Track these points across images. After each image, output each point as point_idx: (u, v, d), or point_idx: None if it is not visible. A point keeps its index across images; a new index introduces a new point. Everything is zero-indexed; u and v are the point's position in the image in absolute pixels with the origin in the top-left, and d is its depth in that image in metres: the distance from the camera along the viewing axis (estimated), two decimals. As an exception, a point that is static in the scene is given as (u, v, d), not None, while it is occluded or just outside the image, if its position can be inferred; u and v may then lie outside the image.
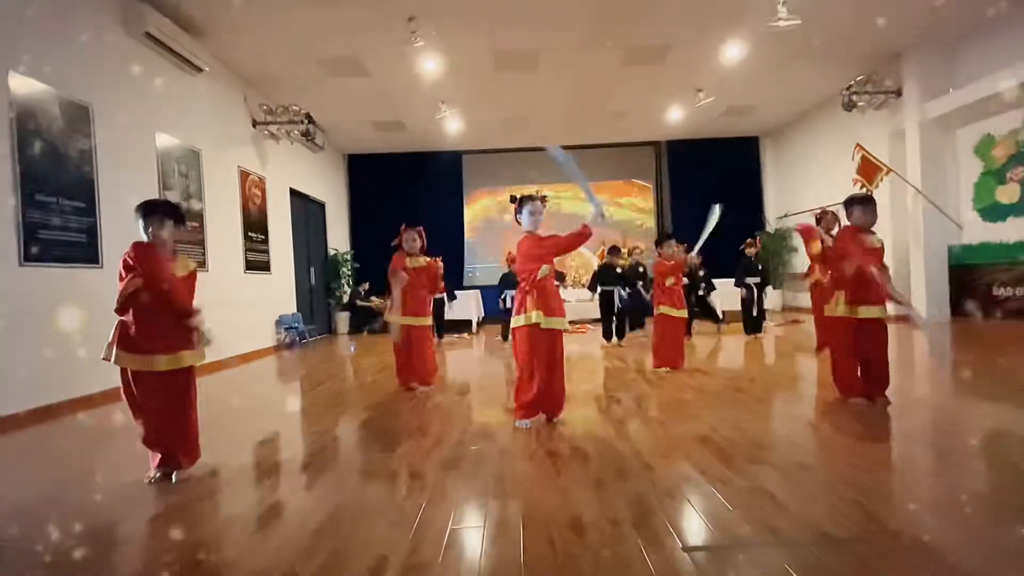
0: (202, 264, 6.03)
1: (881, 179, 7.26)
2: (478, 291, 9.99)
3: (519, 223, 3.29)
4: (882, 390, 3.31)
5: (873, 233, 3.43)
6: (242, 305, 6.83)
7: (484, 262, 11.67)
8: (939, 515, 1.90)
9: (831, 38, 6.82)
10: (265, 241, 7.67)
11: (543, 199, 3.28)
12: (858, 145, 7.48)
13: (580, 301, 9.46)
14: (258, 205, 7.54)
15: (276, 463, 2.91)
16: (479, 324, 9.71)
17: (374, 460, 2.75)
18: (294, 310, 8.44)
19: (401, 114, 9.00)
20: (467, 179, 11.69)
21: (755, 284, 7.09)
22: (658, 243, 5.23)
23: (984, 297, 6.93)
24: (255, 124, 7.45)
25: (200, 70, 5.93)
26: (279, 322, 7.86)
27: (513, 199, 3.33)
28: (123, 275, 2.42)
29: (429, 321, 4.50)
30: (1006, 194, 6.67)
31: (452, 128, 9.29)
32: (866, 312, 3.26)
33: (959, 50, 7.11)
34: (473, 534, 1.87)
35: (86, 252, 4.42)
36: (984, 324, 6.84)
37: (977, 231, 7.08)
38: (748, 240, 7.63)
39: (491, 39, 6.48)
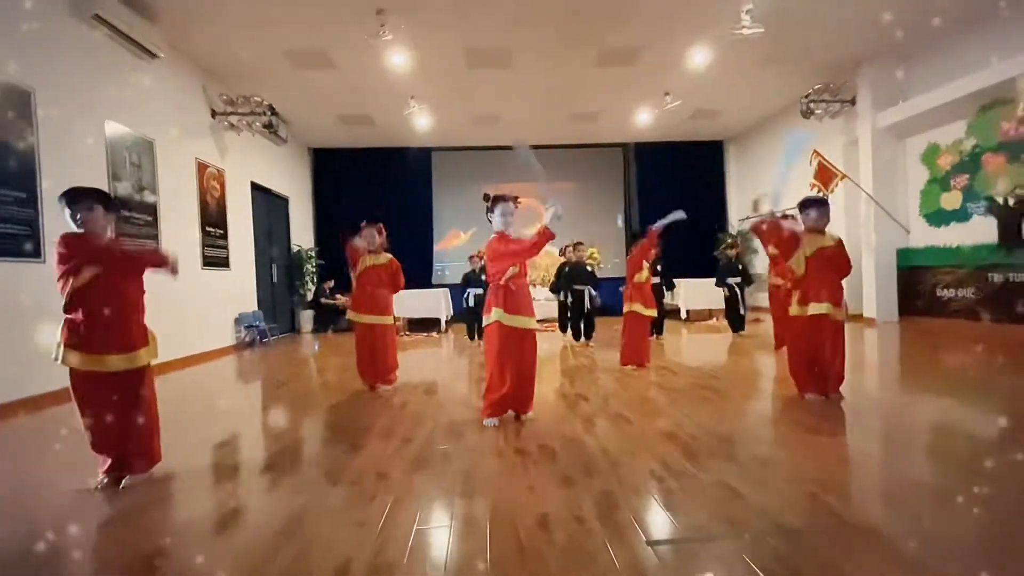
0: (156, 259, 5.77)
1: (836, 184, 7.57)
2: (447, 289, 9.92)
3: (490, 222, 3.30)
4: (836, 386, 3.46)
5: (825, 233, 3.56)
6: (199, 303, 6.57)
7: (454, 260, 11.59)
8: (888, 505, 2.00)
9: (792, 48, 7.08)
10: (224, 236, 7.40)
11: (516, 200, 3.29)
12: (815, 151, 7.77)
13: (549, 300, 9.50)
14: (216, 198, 7.26)
15: (235, 465, 2.82)
16: (448, 323, 9.64)
17: (339, 461, 2.69)
18: (255, 308, 8.18)
19: (369, 108, 8.84)
20: (437, 176, 11.58)
21: (736, 284, 7.27)
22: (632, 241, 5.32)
23: (929, 298, 7.33)
24: (214, 114, 7.18)
25: (155, 56, 5.66)
26: (239, 320, 7.60)
27: (486, 198, 3.33)
28: (59, 270, 2.30)
29: (391, 320, 4.46)
30: (949, 201, 7.06)
31: (422, 124, 9.18)
32: (815, 309, 3.41)
33: (909, 63, 7.48)
34: (440, 534, 1.85)
35: (26, 246, 4.16)
36: (929, 323, 7.23)
37: (923, 235, 7.47)
38: (729, 240, 7.85)
39: (463, 36, 6.43)
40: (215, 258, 7.12)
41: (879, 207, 7.56)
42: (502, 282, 3.20)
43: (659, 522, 1.89)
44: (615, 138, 11.36)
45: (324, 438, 3.29)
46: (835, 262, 3.50)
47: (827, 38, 6.87)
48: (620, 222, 12.17)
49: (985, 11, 6.18)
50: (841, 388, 3.49)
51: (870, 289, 7.81)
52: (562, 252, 8.19)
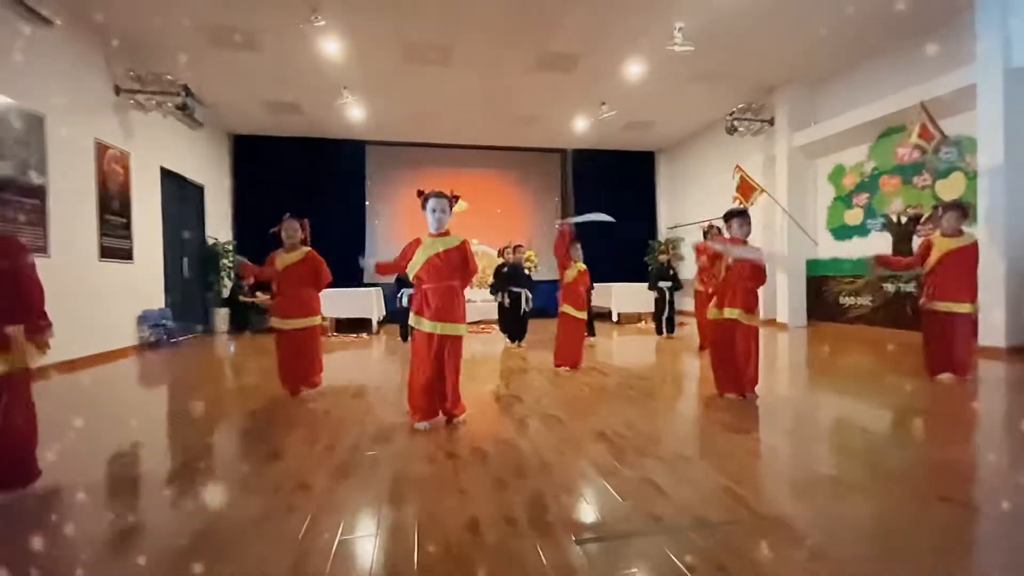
0: (42, 249, 5.15)
1: (756, 198, 8.10)
2: (379, 289, 9.61)
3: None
4: (752, 387, 3.68)
5: (747, 243, 3.80)
6: (96, 298, 5.94)
7: (386, 258, 11.25)
8: (794, 495, 2.14)
9: (719, 68, 7.51)
10: (127, 226, 6.72)
11: (453, 198, 3.16)
12: (738, 166, 8.29)
13: (486, 301, 9.48)
14: (119, 184, 6.58)
15: (135, 478, 2.55)
16: (379, 323, 9.35)
17: (255, 470, 2.50)
18: (162, 305, 7.50)
19: (297, 96, 8.39)
20: (370, 171, 11.22)
21: (667, 288, 7.59)
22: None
23: (833, 304, 8.03)
24: (119, 91, 6.51)
25: (49, 23, 5.05)
26: (143, 318, 6.94)
27: (420, 193, 3.20)
28: None
29: (316, 320, 4.15)
30: (852, 217, 7.78)
31: (355, 116, 8.86)
32: (729, 313, 3.64)
33: (821, 89, 8.19)
34: (365, 543, 1.77)
35: None
36: (833, 328, 7.92)
37: (829, 247, 8.18)
38: (661, 247, 8.20)
39: (401, 28, 6.27)
40: (116, 249, 6.46)
41: (792, 220, 8.19)
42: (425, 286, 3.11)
43: (588, 521, 1.91)
44: (554, 143, 11.54)
45: (239, 446, 3.05)
46: (755, 272, 3.73)
47: (749, 61, 7.36)
48: (558, 226, 12.37)
49: (884, 47, 6.90)
50: (756, 388, 3.72)
51: (782, 296, 8.44)
52: (500, 253, 8.20)
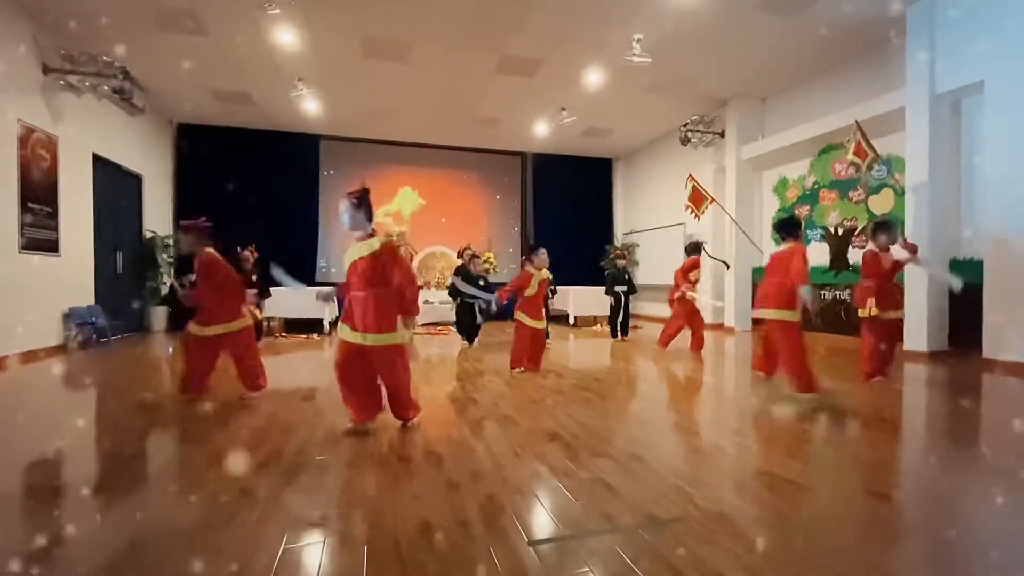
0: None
1: (706, 207, 8.40)
2: (332, 288, 9.30)
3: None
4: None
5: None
6: (16, 293, 5.48)
7: (341, 257, 10.97)
8: (736, 492, 2.21)
9: (675, 80, 7.77)
10: (53, 215, 6.23)
11: (355, 195, 2.99)
12: (690, 176, 8.56)
13: (443, 303, 9.38)
14: (45, 170, 6.09)
15: (57, 487, 2.35)
16: (331, 324, 9.07)
17: (192, 477, 2.36)
18: (92, 301, 6.99)
19: (248, 85, 8.04)
20: (325, 167, 10.89)
21: (622, 292, 7.72)
22: (528, 253, 5.34)
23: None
24: (47, 71, 6.04)
25: (-33, -11, 4.64)
26: (70, 316, 6.45)
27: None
28: None
29: (247, 322, 4.03)
30: (793, 227, 8.20)
31: (310, 109, 8.58)
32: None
33: (768, 105, 8.61)
34: (312, 551, 1.70)
35: None
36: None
37: (772, 256, 8.59)
38: (617, 251, 8.36)
39: (360, 22, 6.12)
40: (40, 241, 5.98)
41: (740, 229, 8.54)
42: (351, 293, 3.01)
43: (541, 522, 1.91)
44: (515, 146, 11.59)
45: (174, 453, 2.87)
46: None
47: (703, 76, 7.66)
48: (517, 228, 12.42)
49: (825, 69, 7.33)
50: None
51: (730, 302, 8.79)
52: (459, 254, 8.13)
